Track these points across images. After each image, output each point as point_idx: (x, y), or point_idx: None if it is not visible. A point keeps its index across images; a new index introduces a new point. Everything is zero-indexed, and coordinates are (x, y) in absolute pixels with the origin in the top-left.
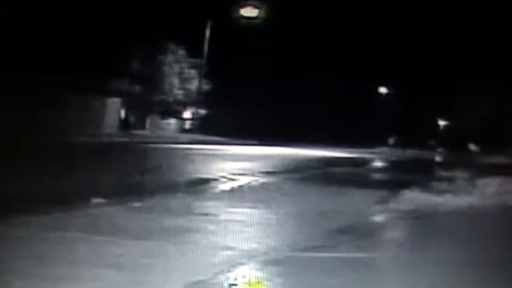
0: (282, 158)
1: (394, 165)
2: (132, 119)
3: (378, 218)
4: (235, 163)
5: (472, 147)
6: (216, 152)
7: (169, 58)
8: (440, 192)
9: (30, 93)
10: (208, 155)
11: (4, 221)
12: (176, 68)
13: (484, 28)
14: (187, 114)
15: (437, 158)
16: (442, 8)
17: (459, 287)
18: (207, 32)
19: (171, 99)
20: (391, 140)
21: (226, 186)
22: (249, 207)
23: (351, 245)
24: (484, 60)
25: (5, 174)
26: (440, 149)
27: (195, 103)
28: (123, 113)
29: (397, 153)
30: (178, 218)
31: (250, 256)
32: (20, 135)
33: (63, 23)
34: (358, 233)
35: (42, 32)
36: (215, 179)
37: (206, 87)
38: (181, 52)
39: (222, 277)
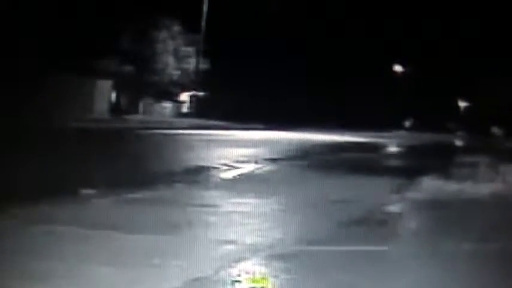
0: (289, 143)
1: (410, 150)
2: (123, 102)
3: (394, 208)
4: (238, 149)
5: (495, 130)
6: (216, 137)
7: (164, 34)
8: (460, 179)
9: (13, 76)
10: (208, 140)
11: None
12: (171, 46)
13: (508, 6)
14: (184, 96)
15: (458, 142)
16: None
17: (480, 280)
18: (205, 6)
19: (166, 80)
20: (407, 123)
21: (228, 174)
22: (253, 198)
23: (364, 238)
24: (509, 38)
25: None
26: (460, 133)
27: (192, 84)
28: (114, 96)
29: (414, 137)
30: (176, 210)
31: (254, 250)
32: (1, 120)
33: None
34: (372, 224)
35: (25, 9)
36: (216, 167)
37: (204, 66)
38: (177, 28)
39: (224, 273)
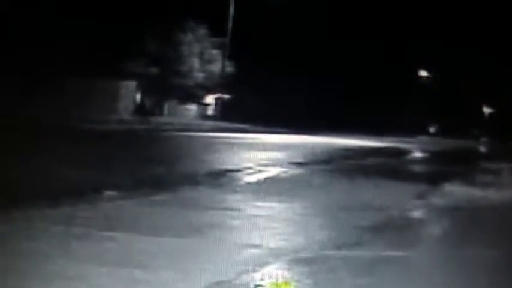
0: (313, 147)
1: (434, 156)
2: (148, 104)
3: (417, 214)
4: (262, 153)
5: None
6: (240, 140)
7: (189, 37)
8: (484, 185)
9: (40, 77)
10: (233, 143)
11: (7, 215)
12: (197, 48)
13: None
14: (209, 99)
15: (482, 148)
16: None
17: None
18: (231, 8)
19: (191, 82)
20: (431, 129)
21: (252, 178)
22: (277, 202)
23: (387, 243)
24: None
25: (10, 163)
26: (484, 139)
27: (217, 87)
28: (138, 98)
29: (438, 143)
30: (200, 213)
31: (277, 254)
32: (28, 121)
33: (76, 1)
34: (395, 229)
35: (51, 12)
36: (240, 170)
37: (230, 69)
38: (203, 30)
39: (247, 277)
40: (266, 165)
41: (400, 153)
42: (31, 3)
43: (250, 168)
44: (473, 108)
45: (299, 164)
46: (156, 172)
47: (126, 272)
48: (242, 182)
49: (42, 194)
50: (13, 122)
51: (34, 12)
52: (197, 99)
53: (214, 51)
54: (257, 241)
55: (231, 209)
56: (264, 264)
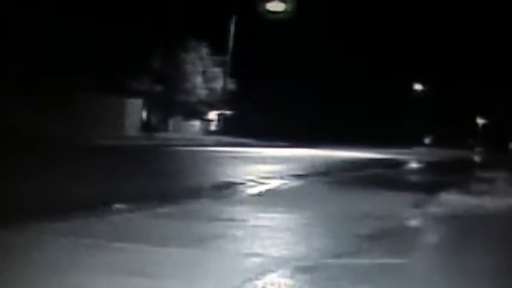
0: (313, 160)
1: (430, 166)
2: (154, 121)
3: (414, 222)
4: (264, 166)
5: None
6: (242, 154)
7: (192, 56)
8: (479, 194)
9: (47, 94)
10: (235, 157)
11: (18, 228)
12: (199, 66)
13: None
14: (211, 115)
15: (476, 158)
16: (481, 4)
17: None
18: (232, 28)
19: (195, 99)
20: (427, 140)
21: (254, 190)
22: (278, 212)
23: (385, 251)
24: None
25: (20, 177)
26: (479, 149)
27: (220, 103)
28: (144, 114)
29: (434, 153)
30: (204, 224)
31: (279, 263)
32: (36, 137)
33: (82, 20)
34: (393, 238)
35: (59, 30)
36: (242, 183)
37: (231, 86)
38: (205, 49)
39: (250, 285)
40: (267, 178)
41: (397, 164)
42: (43, 18)
43: (252, 180)
44: (468, 119)
45: (299, 176)
46: (162, 185)
47: (134, 281)
48: (244, 194)
49: (54, 208)
50: (20, 138)
51: (35, 27)
52: (200, 116)
53: (216, 69)
54: (260, 250)
55: (234, 220)
56: (266, 272)
